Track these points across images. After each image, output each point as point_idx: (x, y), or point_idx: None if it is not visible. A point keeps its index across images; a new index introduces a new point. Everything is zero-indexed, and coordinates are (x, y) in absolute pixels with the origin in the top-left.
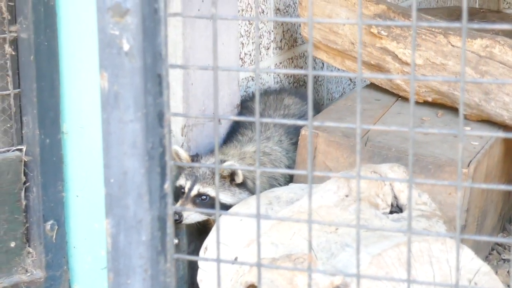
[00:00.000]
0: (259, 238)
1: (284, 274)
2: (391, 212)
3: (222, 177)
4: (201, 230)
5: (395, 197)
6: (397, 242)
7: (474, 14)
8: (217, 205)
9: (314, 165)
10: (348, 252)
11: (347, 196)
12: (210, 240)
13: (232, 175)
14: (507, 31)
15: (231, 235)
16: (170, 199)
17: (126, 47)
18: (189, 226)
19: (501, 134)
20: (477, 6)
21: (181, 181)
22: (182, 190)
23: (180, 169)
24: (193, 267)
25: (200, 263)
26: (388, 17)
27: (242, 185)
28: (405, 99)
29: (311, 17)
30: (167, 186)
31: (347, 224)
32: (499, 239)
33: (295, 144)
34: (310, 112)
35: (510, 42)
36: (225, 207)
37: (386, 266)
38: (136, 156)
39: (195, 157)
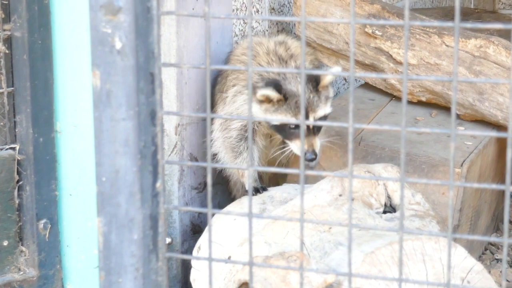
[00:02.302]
0: (251, 237)
1: (277, 272)
2: (384, 212)
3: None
4: (194, 230)
5: (389, 197)
6: (390, 240)
7: (469, 14)
8: (209, 204)
9: None
10: (342, 251)
11: (340, 195)
12: (203, 240)
13: (316, 81)
14: (501, 32)
15: (224, 234)
16: (162, 197)
17: (118, 45)
18: (182, 225)
19: (494, 133)
20: (472, 7)
21: (287, 118)
22: (292, 126)
23: (277, 105)
24: (186, 267)
25: (193, 263)
26: (383, 17)
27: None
28: (399, 99)
29: (304, 15)
30: (159, 184)
31: (339, 223)
32: (491, 238)
33: None
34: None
35: (504, 43)
36: (326, 117)
37: (379, 264)
38: (128, 155)
39: (280, 88)
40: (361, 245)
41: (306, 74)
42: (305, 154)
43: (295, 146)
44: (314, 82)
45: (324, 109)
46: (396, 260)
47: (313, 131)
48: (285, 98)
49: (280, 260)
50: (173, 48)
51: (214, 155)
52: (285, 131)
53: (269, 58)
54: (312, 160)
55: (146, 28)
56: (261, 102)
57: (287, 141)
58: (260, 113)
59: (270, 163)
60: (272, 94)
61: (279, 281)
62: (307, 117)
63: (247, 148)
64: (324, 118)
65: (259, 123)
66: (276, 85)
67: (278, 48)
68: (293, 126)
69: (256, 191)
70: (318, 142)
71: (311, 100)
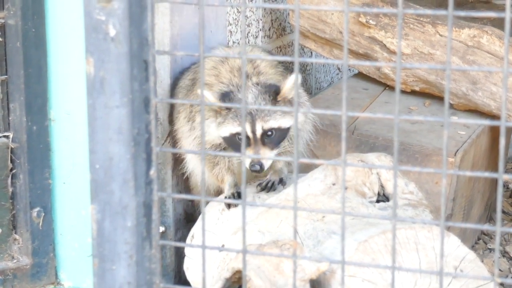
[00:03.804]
0: (245, 224)
1: (270, 260)
2: (377, 201)
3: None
4: (188, 219)
5: (382, 186)
6: (383, 229)
7: (463, 5)
8: (203, 192)
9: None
10: (335, 239)
11: (334, 184)
12: (197, 228)
13: (275, 93)
14: (495, 21)
15: (218, 223)
16: (155, 185)
17: (112, 32)
18: (176, 213)
19: (486, 121)
20: None
21: (234, 127)
22: (239, 137)
23: (218, 114)
24: (179, 255)
25: (186, 251)
26: (377, 6)
27: (290, 103)
28: (393, 89)
29: (298, 4)
30: (153, 172)
31: (332, 211)
32: (484, 227)
33: None
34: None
35: (497, 32)
36: (288, 130)
37: (372, 252)
38: (121, 142)
39: (225, 96)
40: (354, 234)
41: (265, 85)
42: (251, 166)
43: (243, 159)
44: (273, 93)
45: (278, 120)
46: (389, 248)
47: (262, 141)
48: (228, 107)
49: (273, 248)
50: (167, 37)
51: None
52: (235, 144)
53: (232, 75)
54: (258, 171)
55: (140, 15)
56: (216, 116)
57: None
58: (215, 129)
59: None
60: (210, 98)
61: (272, 269)
62: (254, 125)
63: (223, 158)
64: (278, 131)
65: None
66: (223, 95)
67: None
68: (241, 137)
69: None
70: (268, 153)
71: (261, 108)
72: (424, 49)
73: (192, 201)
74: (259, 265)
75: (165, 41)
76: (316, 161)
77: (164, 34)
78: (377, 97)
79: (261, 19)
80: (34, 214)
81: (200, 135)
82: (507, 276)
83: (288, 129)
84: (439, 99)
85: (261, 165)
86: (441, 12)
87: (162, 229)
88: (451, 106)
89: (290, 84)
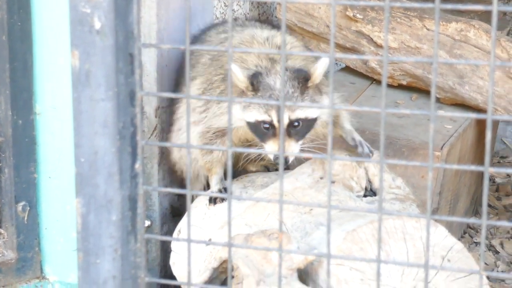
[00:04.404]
0: (230, 217)
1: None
2: (365, 196)
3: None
4: (174, 213)
5: (369, 181)
6: (371, 219)
7: None
8: (188, 186)
9: None
10: (322, 231)
11: (321, 178)
12: (183, 223)
13: (305, 80)
14: (482, 15)
15: (205, 218)
16: (141, 179)
17: (97, 25)
18: (162, 208)
19: (473, 115)
20: None
21: (260, 114)
22: (265, 126)
23: (244, 95)
24: (166, 250)
25: (173, 246)
26: (364, 0)
27: (319, 91)
28: (380, 83)
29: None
30: (138, 165)
31: (318, 204)
32: (470, 220)
33: None
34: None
35: (485, 26)
36: (314, 121)
37: (360, 241)
38: (107, 135)
39: (254, 77)
40: (342, 225)
41: (293, 69)
42: (275, 159)
43: (267, 148)
44: (302, 78)
45: (306, 110)
46: (377, 237)
47: (289, 132)
48: (256, 89)
49: (261, 237)
50: (153, 31)
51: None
52: (259, 131)
53: (258, 59)
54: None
55: (126, 8)
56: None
57: (262, 144)
58: (239, 111)
59: (238, 174)
60: (239, 74)
61: (260, 258)
62: (280, 114)
63: (219, 146)
64: (305, 121)
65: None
66: (253, 75)
67: (268, 46)
68: (267, 126)
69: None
70: (293, 145)
71: (289, 96)
72: (411, 43)
73: (179, 194)
74: (247, 254)
75: (152, 34)
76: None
77: (151, 27)
78: (364, 91)
79: (248, 13)
80: (19, 208)
81: (210, 123)
82: (493, 270)
83: (315, 120)
84: (426, 93)
85: (286, 159)
86: (428, 5)
87: (147, 223)
88: (438, 100)
89: (322, 69)
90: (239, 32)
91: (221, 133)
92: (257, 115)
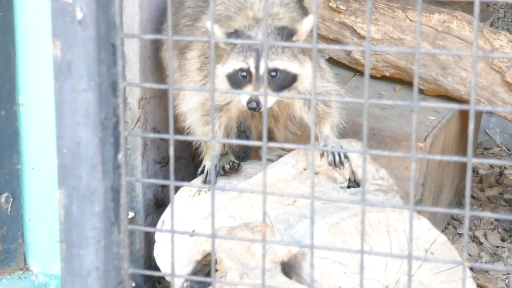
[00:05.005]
0: (214, 208)
1: (242, 242)
2: (348, 187)
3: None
4: (158, 204)
5: (353, 173)
6: (354, 212)
7: None
8: (172, 177)
9: None
10: (306, 223)
11: (305, 169)
12: (167, 214)
13: (288, 36)
14: (465, 7)
15: (189, 209)
16: (123, 170)
17: (79, 15)
18: (146, 199)
19: (455, 105)
20: None
21: (238, 62)
22: (243, 74)
23: (223, 51)
24: (149, 241)
25: (156, 237)
26: None
27: (304, 53)
28: (363, 74)
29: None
30: (121, 156)
31: (302, 195)
32: (453, 210)
33: None
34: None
35: (467, 17)
36: (294, 79)
37: (343, 234)
38: (89, 126)
39: (233, 34)
40: (325, 217)
41: (277, 26)
42: (247, 103)
43: (241, 96)
44: (286, 35)
45: (286, 63)
46: (361, 230)
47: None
48: (234, 43)
49: (244, 230)
50: (136, 21)
51: (187, 128)
52: (237, 81)
53: (245, 20)
54: (254, 109)
55: None
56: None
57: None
58: (221, 70)
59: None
60: (217, 32)
61: (244, 251)
62: (258, 62)
63: (217, 119)
64: (283, 73)
65: (234, 102)
66: (232, 32)
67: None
68: (244, 74)
69: (230, 168)
70: (268, 92)
71: (269, 45)
72: (394, 34)
73: (163, 186)
74: (230, 247)
75: (135, 25)
76: (286, 145)
77: (134, 18)
78: (347, 82)
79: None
80: (3, 199)
81: (208, 95)
82: (476, 261)
83: (294, 77)
84: (409, 84)
85: (258, 103)
86: None
87: (131, 214)
88: (421, 91)
89: (307, 26)
90: None
91: (219, 107)
92: (235, 64)
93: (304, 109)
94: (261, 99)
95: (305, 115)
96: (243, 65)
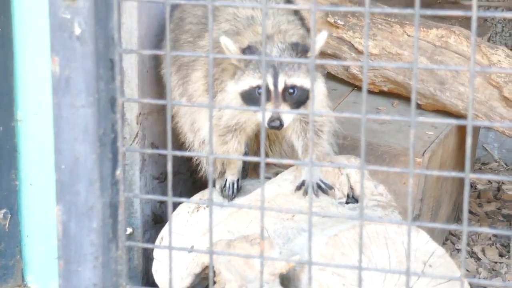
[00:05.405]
0: (212, 224)
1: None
2: (347, 203)
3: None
4: (156, 220)
5: (351, 188)
6: (353, 224)
7: (431, 5)
8: (169, 192)
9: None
10: (304, 236)
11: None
12: (165, 230)
13: (303, 52)
14: (463, 22)
15: (187, 225)
16: (122, 185)
17: (77, 31)
18: (144, 215)
19: (453, 121)
20: None
21: (254, 79)
22: (260, 91)
23: (234, 67)
24: (147, 257)
25: (155, 254)
26: (345, 6)
27: (316, 69)
28: (361, 89)
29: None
30: (119, 172)
31: (300, 211)
32: (451, 226)
33: None
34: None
35: (465, 32)
36: (306, 94)
37: (342, 246)
38: (87, 142)
39: (247, 50)
40: (324, 230)
41: (291, 42)
42: (269, 122)
43: (260, 114)
44: (300, 51)
45: (302, 79)
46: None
47: (284, 97)
48: (249, 59)
49: (243, 242)
50: (134, 37)
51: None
52: (254, 100)
53: (254, 35)
54: (276, 128)
55: (106, 14)
56: (234, 75)
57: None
58: (233, 86)
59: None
60: (230, 46)
61: (242, 263)
62: (276, 78)
63: (233, 139)
64: (300, 90)
65: (245, 121)
66: (246, 47)
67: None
68: (261, 91)
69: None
70: (287, 109)
71: (286, 63)
72: (392, 49)
73: (161, 202)
74: (229, 258)
75: (133, 40)
76: (284, 161)
77: (132, 33)
78: (345, 97)
79: None
80: (1, 215)
81: (219, 115)
82: (474, 277)
83: (308, 92)
84: (407, 99)
85: (281, 121)
86: (408, 10)
87: (129, 230)
88: (419, 106)
89: (321, 42)
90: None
91: (233, 128)
92: (251, 81)
93: (295, 135)
94: (283, 116)
95: (295, 141)
96: (260, 82)
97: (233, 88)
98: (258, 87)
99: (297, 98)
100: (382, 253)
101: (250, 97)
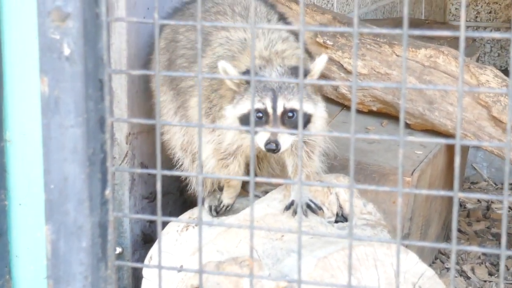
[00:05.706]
0: (201, 243)
1: (230, 277)
2: (336, 221)
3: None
4: (146, 240)
5: (341, 207)
6: (342, 246)
7: (420, 25)
8: (159, 212)
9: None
10: (294, 258)
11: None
12: (155, 250)
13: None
14: (451, 42)
15: (176, 244)
16: (111, 205)
17: (67, 51)
18: (133, 234)
19: (442, 140)
20: (423, 18)
21: (253, 103)
22: (259, 114)
23: (231, 92)
24: (137, 277)
25: (144, 273)
26: (333, 26)
27: (316, 93)
28: (350, 109)
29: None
30: (108, 192)
31: (289, 230)
32: (440, 245)
33: None
34: (252, 117)
35: (454, 52)
36: (308, 120)
37: (331, 269)
38: (76, 162)
39: (246, 74)
40: (313, 252)
41: (290, 66)
42: (266, 144)
43: (257, 137)
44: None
45: (304, 103)
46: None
47: (282, 120)
48: (249, 82)
49: (232, 264)
50: (124, 57)
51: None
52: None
53: (250, 55)
54: (273, 151)
55: (95, 35)
56: (232, 99)
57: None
58: (232, 110)
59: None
60: (230, 70)
61: (232, 286)
62: (275, 102)
63: (234, 161)
64: (292, 113)
65: (247, 147)
66: (246, 71)
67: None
68: (260, 114)
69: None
70: (286, 135)
71: (285, 85)
72: (381, 69)
73: (150, 221)
74: (218, 281)
75: (123, 61)
76: (273, 180)
77: (121, 54)
78: (334, 117)
79: None
80: None
81: (220, 140)
82: None
83: (309, 117)
84: (396, 119)
85: (278, 144)
86: (396, 31)
87: (119, 250)
88: (408, 126)
89: (320, 66)
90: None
91: (233, 151)
92: (250, 104)
93: (287, 153)
94: (280, 140)
95: (287, 159)
96: (259, 105)
97: (232, 113)
98: (258, 110)
99: (296, 122)
100: (371, 275)
101: (249, 121)
